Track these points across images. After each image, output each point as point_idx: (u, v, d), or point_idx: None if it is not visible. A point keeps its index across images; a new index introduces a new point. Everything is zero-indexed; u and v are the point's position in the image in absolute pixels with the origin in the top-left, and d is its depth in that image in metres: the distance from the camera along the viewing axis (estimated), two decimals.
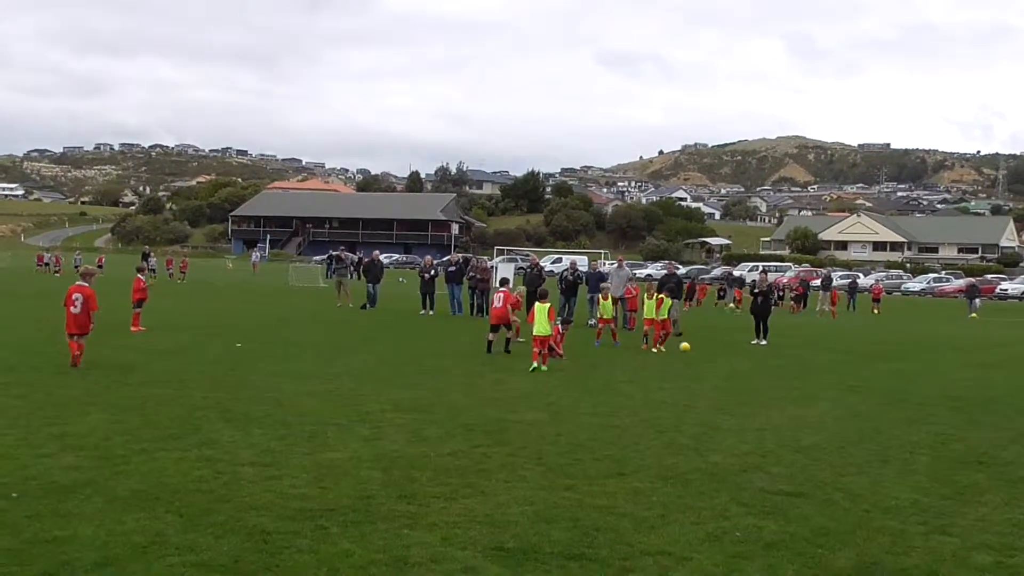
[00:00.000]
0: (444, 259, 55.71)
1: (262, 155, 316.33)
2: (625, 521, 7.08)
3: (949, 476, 9.08)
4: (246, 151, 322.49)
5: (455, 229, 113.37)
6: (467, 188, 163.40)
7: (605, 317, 21.20)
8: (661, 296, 20.83)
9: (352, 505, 7.18)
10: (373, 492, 7.58)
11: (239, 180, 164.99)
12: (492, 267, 36.03)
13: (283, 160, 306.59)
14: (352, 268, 44.52)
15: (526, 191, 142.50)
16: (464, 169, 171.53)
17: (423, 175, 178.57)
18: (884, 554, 6.62)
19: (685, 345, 20.34)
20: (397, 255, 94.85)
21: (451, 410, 11.66)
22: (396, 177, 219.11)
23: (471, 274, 29.53)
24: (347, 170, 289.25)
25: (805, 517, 7.41)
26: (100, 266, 42.63)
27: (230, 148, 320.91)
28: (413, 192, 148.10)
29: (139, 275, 21.53)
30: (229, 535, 6.37)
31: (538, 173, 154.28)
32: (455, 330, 24.23)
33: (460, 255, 36.82)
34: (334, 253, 48.90)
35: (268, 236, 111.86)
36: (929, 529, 7.24)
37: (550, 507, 7.35)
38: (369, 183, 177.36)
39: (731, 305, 43.27)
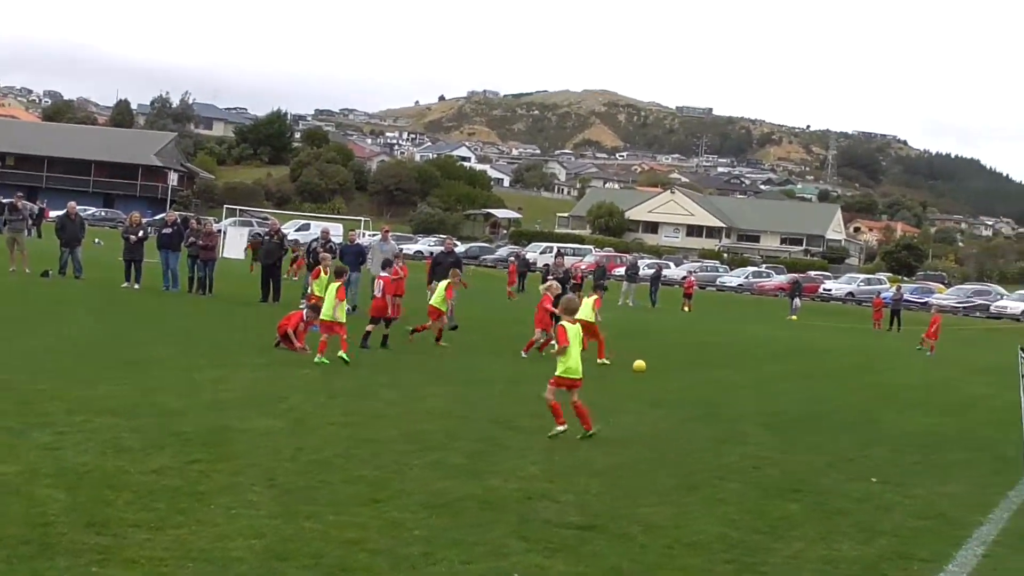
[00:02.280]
0: (157, 218, 53.75)
1: None
2: (380, 559, 7.14)
3: (761, 506, 9.73)
4: None
5: (173, 179, 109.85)
6: (192, 127, 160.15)
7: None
8: (596, 298, 20.87)
9: (22, 535, 6.91)
10: (52, 518, 7.33)
11: None
12: (220, 232, 35.22)
13: None
14: (31, 221, 42.38)
15: (268, 136, 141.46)
16: (189, 102, 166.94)
17: (134, 106, 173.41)
18: None
19: (639, 364, 19.87)
20: (94, 209, 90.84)
21: (159, 414, 11.40)
22: (97, 106, 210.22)
23: (191, 240, 28.84)
24: (30, 91, 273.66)
25: (598, 555, 7.73)
26: None
27: None
28: (120, 127, 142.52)
29: None
30: None
31: (285, 114, 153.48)
32: (168, 310, 23.87)
33: (178, 214, 35.78)
34: (6, 201, 46.19)
35: None
36: (738, 568, 7.74)
37: (285, 540, 7.33)
38: (60, 110, 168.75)
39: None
